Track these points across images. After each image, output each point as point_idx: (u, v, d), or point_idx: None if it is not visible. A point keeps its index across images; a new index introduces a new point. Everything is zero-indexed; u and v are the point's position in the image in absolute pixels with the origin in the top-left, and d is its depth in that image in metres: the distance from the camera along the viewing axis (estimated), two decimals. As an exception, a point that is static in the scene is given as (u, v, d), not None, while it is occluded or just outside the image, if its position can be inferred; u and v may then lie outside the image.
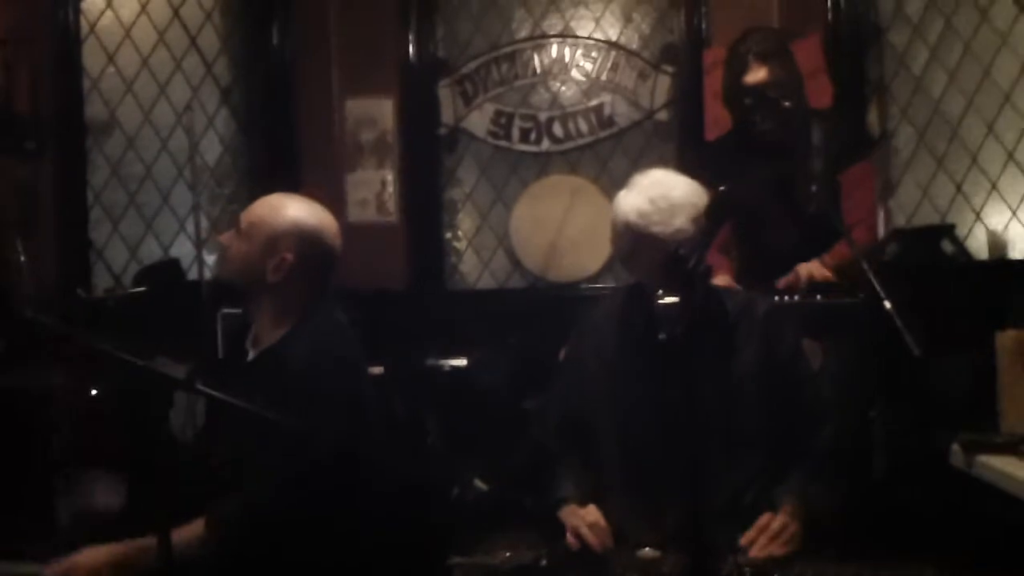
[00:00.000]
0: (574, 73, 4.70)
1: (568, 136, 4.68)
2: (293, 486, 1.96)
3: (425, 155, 4.75)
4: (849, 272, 3.01)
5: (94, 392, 2.90)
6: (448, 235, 4.83)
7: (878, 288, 2.12)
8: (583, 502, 2.28)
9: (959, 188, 4.20)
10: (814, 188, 3.31)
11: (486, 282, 4.80)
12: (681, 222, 2.21)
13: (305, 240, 2.16)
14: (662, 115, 4.61)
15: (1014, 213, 4.08)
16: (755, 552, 2.10)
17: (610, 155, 4.68)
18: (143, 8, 4.54)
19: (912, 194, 4.29)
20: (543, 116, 4.70)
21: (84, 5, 4.37)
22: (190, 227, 4.20)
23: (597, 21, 4.70)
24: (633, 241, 2.27)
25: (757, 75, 3.36)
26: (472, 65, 4.74)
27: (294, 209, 2.19)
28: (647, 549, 2.10)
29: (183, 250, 4.50)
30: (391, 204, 4.69)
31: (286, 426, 1.82)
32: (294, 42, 4.73)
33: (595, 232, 4.31)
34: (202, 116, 4.59)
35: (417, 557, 2.27)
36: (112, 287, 4.33)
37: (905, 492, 2.99)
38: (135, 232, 4.56)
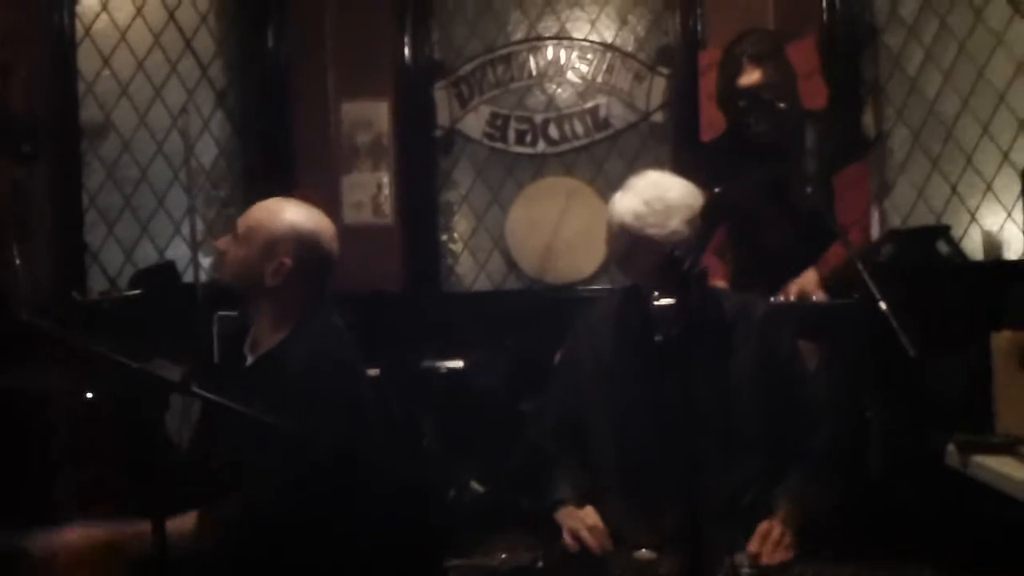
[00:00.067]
0: (570, 75, 4.69)
1: (564, 138, 4.67)
2: (292, 488, 1.97)
3: (421, 157, 4.74)
4: (844, 273, 3.02)
5: (89, 396, 2.89)
6: (444, 237, 4.82)
7: (874, 289, 2.12)
8: (580, 503, 2.28)
9: (954, 189, 4.20)
10: (809, 189, 3.31)
11: (482, 284, 4.80)
12: (677, 224, 2.22)
13: (303, 244, 2.16)
14: (658, 117, 4.61)
15: (1009, 214, 4.08)
16: (767, 560, 2.10)
17: (606, 157, 4.67)
18: (138, 11, 4.53)
19: (907, 195, 4.29)
20: (539, 118, 4.69)
21: (79, 8, 4.35)
22: (186, 230, 4.19)
23: (593, 23, 4.70)
24: (629, 243, 2.27)
25: (751, 77, 3.37)
26: (468, 67, 4.73)
27: (291, 213, 2.19)
28: (644, 550, 2.11)
29: (179, 253, 4.48)
30: (387, 206, 4.68)
31: (284, 429, 1.83)
32: (289, 45, 4.72)
33: (591, 234, 4.30)
34: (197, 119, 4.58)
35: (415, 559, 2.27)
36: (108, 290, 4.32)
37: (901, 492, 3.00)
38: (130, 235, 4.54)
